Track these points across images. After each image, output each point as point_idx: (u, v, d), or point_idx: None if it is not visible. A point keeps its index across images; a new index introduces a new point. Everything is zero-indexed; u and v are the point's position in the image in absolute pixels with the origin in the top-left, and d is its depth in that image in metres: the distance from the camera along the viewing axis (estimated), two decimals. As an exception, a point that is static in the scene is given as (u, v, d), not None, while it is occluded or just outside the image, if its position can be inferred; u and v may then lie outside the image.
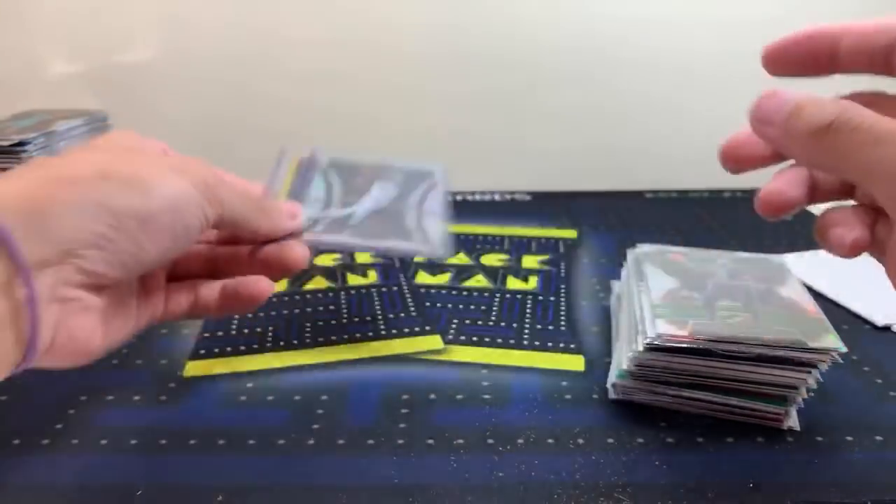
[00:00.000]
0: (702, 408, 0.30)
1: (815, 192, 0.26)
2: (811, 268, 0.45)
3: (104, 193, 0.22)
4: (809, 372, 0.29)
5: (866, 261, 0.50)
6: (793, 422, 0.30)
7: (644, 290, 0.33)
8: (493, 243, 0.50)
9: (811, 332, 0.29)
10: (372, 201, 0.37)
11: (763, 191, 0.25)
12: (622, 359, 0.31)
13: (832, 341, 0.29)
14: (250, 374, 0.34)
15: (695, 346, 0.29)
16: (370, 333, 0.37)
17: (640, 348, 0.30)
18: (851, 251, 0.24)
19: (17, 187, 0.21)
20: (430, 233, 0.36)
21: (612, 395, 0.32)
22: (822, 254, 0.48)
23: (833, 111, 0.22)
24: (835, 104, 0.22)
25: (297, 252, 0.30)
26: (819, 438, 0.29)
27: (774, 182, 0.25)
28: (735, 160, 0.26)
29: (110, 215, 0.22)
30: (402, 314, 0.39)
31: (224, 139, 0.64)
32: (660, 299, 0.32)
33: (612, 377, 0.32)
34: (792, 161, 0.26)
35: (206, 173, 0.25)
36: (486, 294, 0.42)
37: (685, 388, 0.30)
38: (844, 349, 0.28)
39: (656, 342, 0.29)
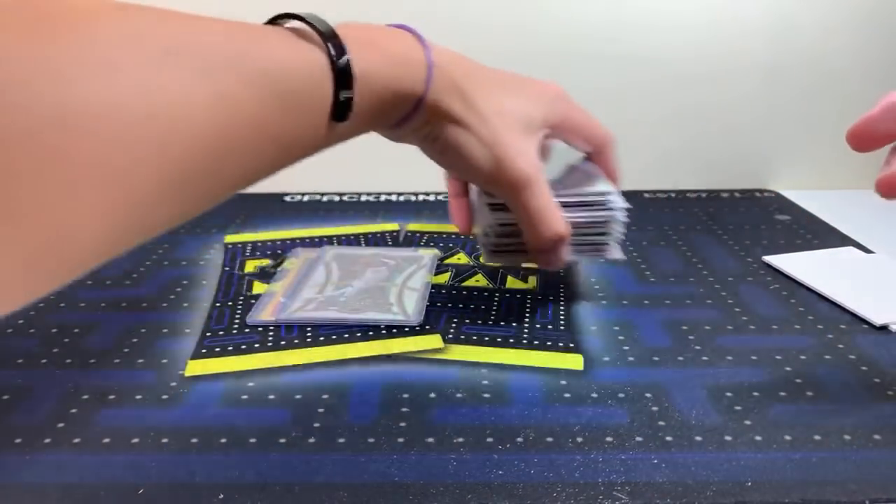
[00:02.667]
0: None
1: None
2: (810, 267, 0.45)
3: None
4: (610, 210, 0.39)
5: (865, 260, 0.50)
6: (618, 253, 0.40)
7: None
8: (493, 243, 0.50)
9: (598, 185, 0.39)
10: (363, 282, 0.42)
11: (883, 175, 0.26)
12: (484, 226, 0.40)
13: (604, 185, 0.39)
14: (251, 373, 0.34)
15: None
16: (370, 333, 0.38)
17: (486, 208, 0.38)
18: None
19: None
20: (408, 305, 0.40)
21: (485, 258, 0.41)
22: (819, 254, 0.49)
23: None
24: None
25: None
26: (817, 437, 0.29)
27: (893, 165, 0.27)
28: (863, 138, 0.28)
29: None
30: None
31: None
32: None
33: (480, 244, 0.41)
34: None
35: None
36: (485, 294, 0.43)
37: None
38: (611, 189, 0.39)
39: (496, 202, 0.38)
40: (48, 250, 0.19)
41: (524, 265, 0.40)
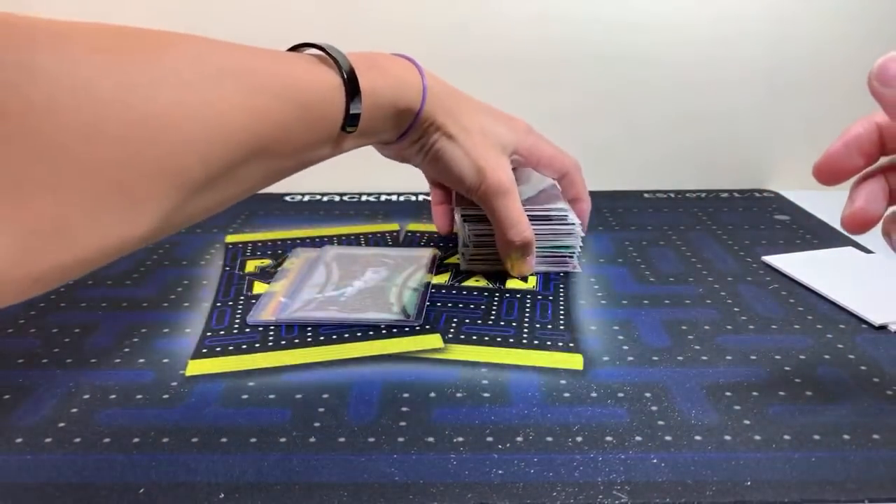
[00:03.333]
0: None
1: (893, 197, 0.28)
2: (809, 267, 0.45)
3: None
4: (570, 225, 0.45)
5: (864, 260, 0.50)
6: (576, 267, 0.46)
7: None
8: (493, 243, 0.51)
9: (559, 204, 0.45)
10: (363, 282, 0.43)
11: (848, 213, 0.27)
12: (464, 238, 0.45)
13: (564, 205, 0.45)
14: (252, 372, 0.34)
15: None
16: (370, 333, 0.38)
17: (460, 219, 0.45)
18: None
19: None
20: (408, 305, 0.40)
21: (463, 266, 0.46)
22: (819, 254, 0.49)
23: None
24: None
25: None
26: (816, 437, 0.29)
27: (857, 201, 0.28)
28: (830, 174, 0.28)
29: None
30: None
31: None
32: None
33: (459, 251, 0.47)
34: (863, 172, 0.28)
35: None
36: (485, 293, 0.43)
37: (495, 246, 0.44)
38: (567, 208, 0.45)
39: (468, 214, 0.44)
40: (119, 224, 0.24)
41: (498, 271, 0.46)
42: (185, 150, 0.25)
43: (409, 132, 0.39)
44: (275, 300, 0.41)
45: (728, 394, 0.32)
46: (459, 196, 0.46)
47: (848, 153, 0.28)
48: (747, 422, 0.30)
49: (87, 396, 0.32)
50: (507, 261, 0.44)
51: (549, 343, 0.37)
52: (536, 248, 0.44)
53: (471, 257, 0.45)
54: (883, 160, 0.29)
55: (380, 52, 0.37)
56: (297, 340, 0.37)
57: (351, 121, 0.33)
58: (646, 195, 0.63)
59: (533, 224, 0.43)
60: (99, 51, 0.23)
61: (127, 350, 0.36)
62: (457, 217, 0.46)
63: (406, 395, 0.32)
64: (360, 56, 0.34)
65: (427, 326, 0.38)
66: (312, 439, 0.29)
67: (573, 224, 0.45)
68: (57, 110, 0.21)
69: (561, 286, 0.44)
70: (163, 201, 0.25)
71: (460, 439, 0.29)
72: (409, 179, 0.62)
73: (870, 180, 0.28)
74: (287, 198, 0.61)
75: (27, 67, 0.21)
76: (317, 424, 0.30)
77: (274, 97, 0.29)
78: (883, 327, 0.38)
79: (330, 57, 0.33)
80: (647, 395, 0.32)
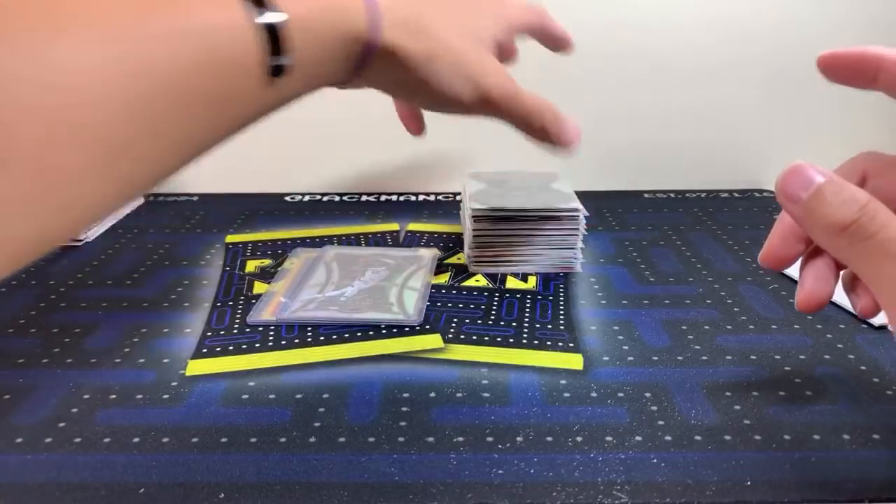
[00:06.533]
0: (522, 259, 0.45)
1: (841, 266, 0.28)
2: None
3: None
4: (579, 222, 0.44)
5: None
6: (578, 266, 0.46)
7: (466, 192, 0.48)
8: (493, 243, 0.51)
9: (571, 202, 0.45)
10: (363, 282, 0.43)
11: (800, 297, 0.27)
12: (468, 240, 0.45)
13: (575, 203, 0.45)
14: (252, 372, 0.34)
15: (503, 213, 0.44)
16: (370, 333, 0.38)
17: (469, 220, 0.44)
18: (862, 316, 0.27)
19: None
20: (408, 305, 0.40)
21: (470, 268, 0.46)
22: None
23: (852, 213, 0.23)
24: (856, 202, 0.23)
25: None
26: (816, 437, 0.29)
27: (805, 285, 0.28)
28: (775, 263, 0.29)
29: None
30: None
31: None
32: (474, 193, 0.47)
33: (465, 253, 0.47)
34: (809, 250, 0.29)
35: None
36: (485, 294, 0.43)
37: (505, 246, 0.45)
38: (580, 207, 0.44)
39: (478, 212, 0.44)
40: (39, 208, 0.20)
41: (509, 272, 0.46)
42: (40, 126, 0.20)
43: (367, 66, 0.31)
44: (275, 300, 0.41)
45: (728, 394, 0.32)
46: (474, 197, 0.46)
47: (786, 243, 0.29)
48: (747, 421, 0.30)
49: (87, 396, 0.32)
50: (547, 144, 0.38)
51: (549, 343, 0.37)
52: (542, 248, 0.44)
53: (475, 258, 0.45)
54: None
55: None
56: (297, 340, 0.37)
57: (276, 65, 0.26)
58: (646, 195, 0.63)
59: (542, 223, 0.44)
60: None
61: (127, 350, 0.36)
62: (466, 217, 0.46)
63: (406, 395, 0.32)
64: None
65: (427, 326, 0.38)
66: (312, 439, 0.29)
67: (580, 224, 0.45)
68: None
69: (561, 286, 0.44)
70: (29, 201, 0.21)
71: (460, 439, 0.29)
72: (408, 179, 0.63)
73: (815, 260, 0.29)
74: (287, 198, 0.61)
75: None
76: (317, 424, 0.30)
77: (159, 48, 0.23)
78: (883, 327, 0.38)
79: None
80: (647, 395, 0.32)
